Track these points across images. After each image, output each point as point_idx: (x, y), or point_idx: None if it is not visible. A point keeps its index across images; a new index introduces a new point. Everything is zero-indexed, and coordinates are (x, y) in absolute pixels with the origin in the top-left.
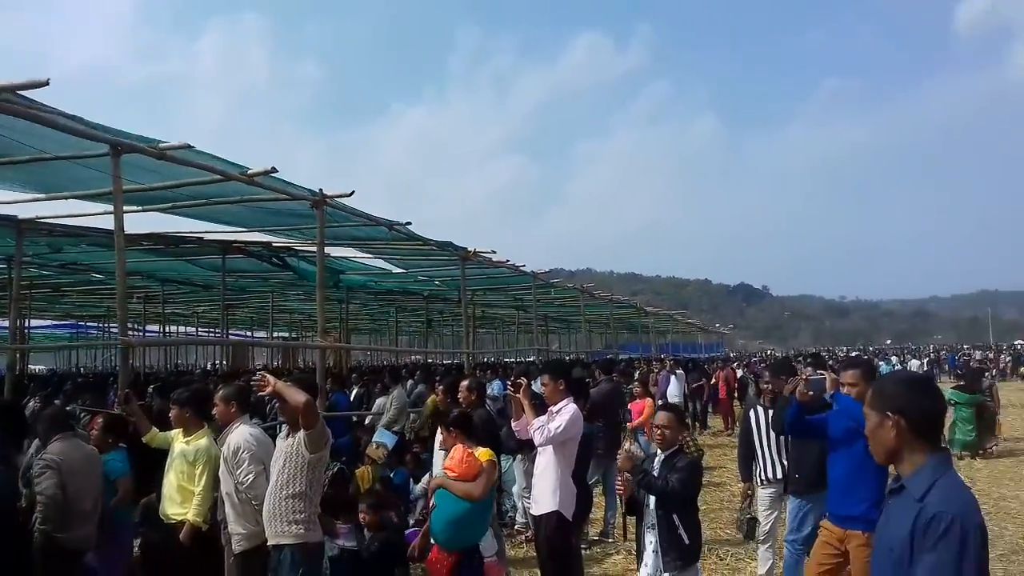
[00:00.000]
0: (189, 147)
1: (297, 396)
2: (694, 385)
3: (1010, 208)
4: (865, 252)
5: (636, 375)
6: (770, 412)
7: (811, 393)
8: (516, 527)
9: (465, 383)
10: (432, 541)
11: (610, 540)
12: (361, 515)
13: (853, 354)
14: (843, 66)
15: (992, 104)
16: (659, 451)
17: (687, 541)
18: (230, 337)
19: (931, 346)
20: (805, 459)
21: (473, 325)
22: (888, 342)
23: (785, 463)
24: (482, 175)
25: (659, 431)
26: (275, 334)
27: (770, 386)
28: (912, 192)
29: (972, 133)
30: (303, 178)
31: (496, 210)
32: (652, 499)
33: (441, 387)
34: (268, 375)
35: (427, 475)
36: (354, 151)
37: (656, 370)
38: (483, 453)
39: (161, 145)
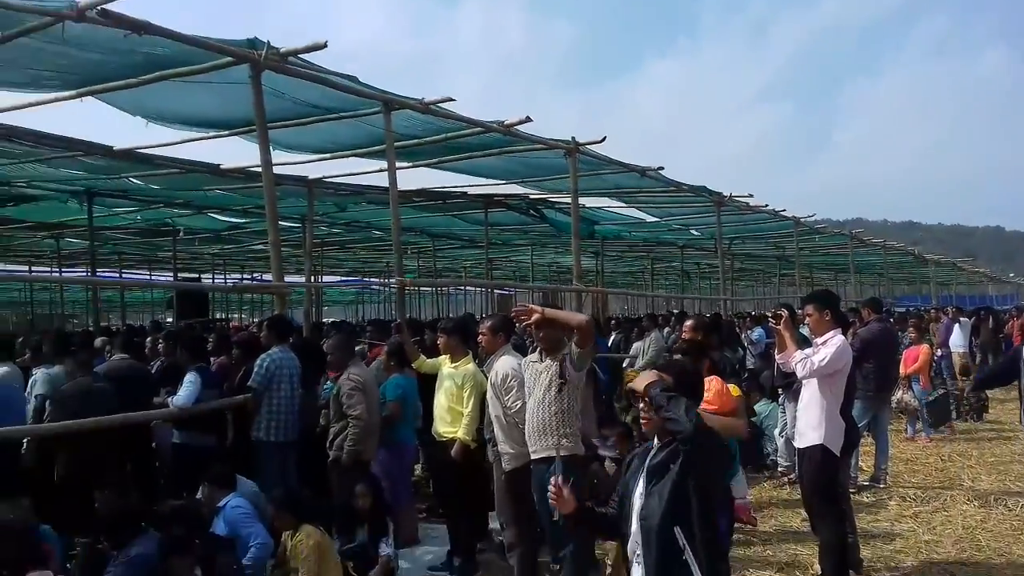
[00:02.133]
0: (451, 100)
1: (577, 316)
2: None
3: None
4: None
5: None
6: None
7: None
8: (780, 469)
9: (690, 322)
10: None
11: (880, 486)
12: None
13: None
14: None
15: None
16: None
17: None
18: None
19: None
20: None
21: (732, 274)
22: None
23: None
24: (740, 125)
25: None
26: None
27: None
28: None
29: None
30: (558, 135)
31: (756, 160)
32: (636, 505)
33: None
34: (532, 305)
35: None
36: (608, 107)
37: (935, 318)
38: (734, 388)
39: (426, 100)
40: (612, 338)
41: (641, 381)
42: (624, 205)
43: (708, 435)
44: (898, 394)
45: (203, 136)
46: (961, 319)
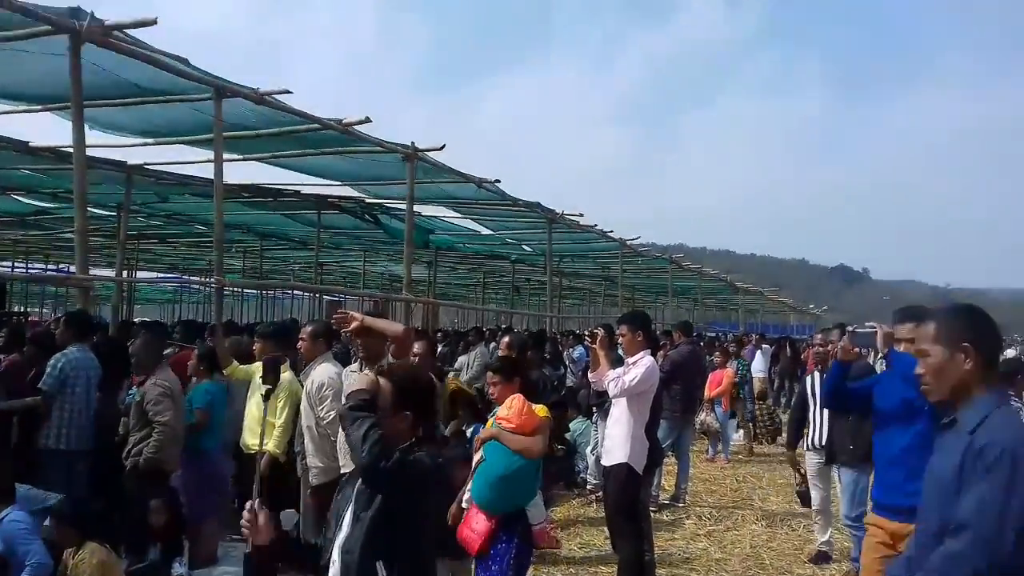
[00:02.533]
0: (288, 92)
1: (395, 326)
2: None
3: None
4: (975, 237)
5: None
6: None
7: (857, 349)
8: (589, 487)
9: (507, 339)
10: (466, 505)
11: (680, 505)
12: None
13: None
14: (964, 41)
15: None
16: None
17: None
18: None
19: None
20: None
21: (560, 291)
22: None
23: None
24: (585, 144)
25: None
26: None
27: (820, 347)
28: None
29: None
30: (404, 138)
31: (597, 180)
32: (341, 535)
33: (505, 340)
34: (352, 312)
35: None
36: (456, 114)
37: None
38: (540, 409)
39: (261, 90)
40: (439, 350)
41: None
42: (460, 216)
43: (399, 466)
44: (701, 416)
45: (12, 110)
46: (763, 346)
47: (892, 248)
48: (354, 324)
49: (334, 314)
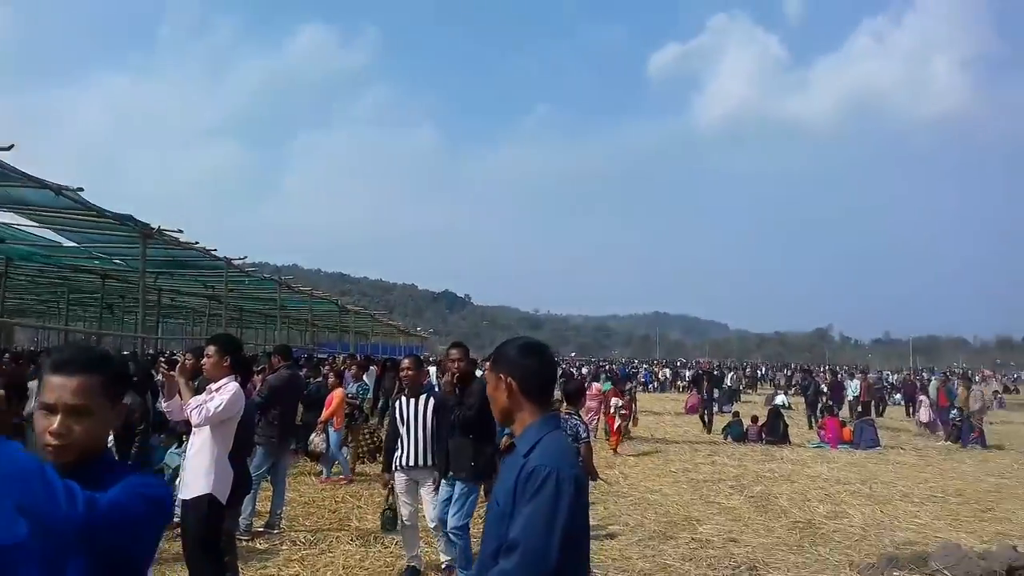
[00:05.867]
0: None
1: None
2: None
3: (679, 239)
4: (559, 271)
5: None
6: (411, 400)
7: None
8: (175, 519)
9: None
10: None
11: (275, 531)
12: None
13: None
14: (555, 94)
15: (674, 145)
16: None
17: None
18: None
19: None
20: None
21: (159, 310)
22: (573, 354)
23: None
24: (193, 156)
25: None
26: None
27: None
28: (600, 219)
29: (656, 170)
30: None
31: (204, 196)
32: None
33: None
34: None
35: None
36: (46, 116)
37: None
38: None
39: None
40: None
41: None
42: (38, 225)
43: None
44: (313, 438)
45: None
46: (370, 367)
47: (491, 277)
48: None
49: None
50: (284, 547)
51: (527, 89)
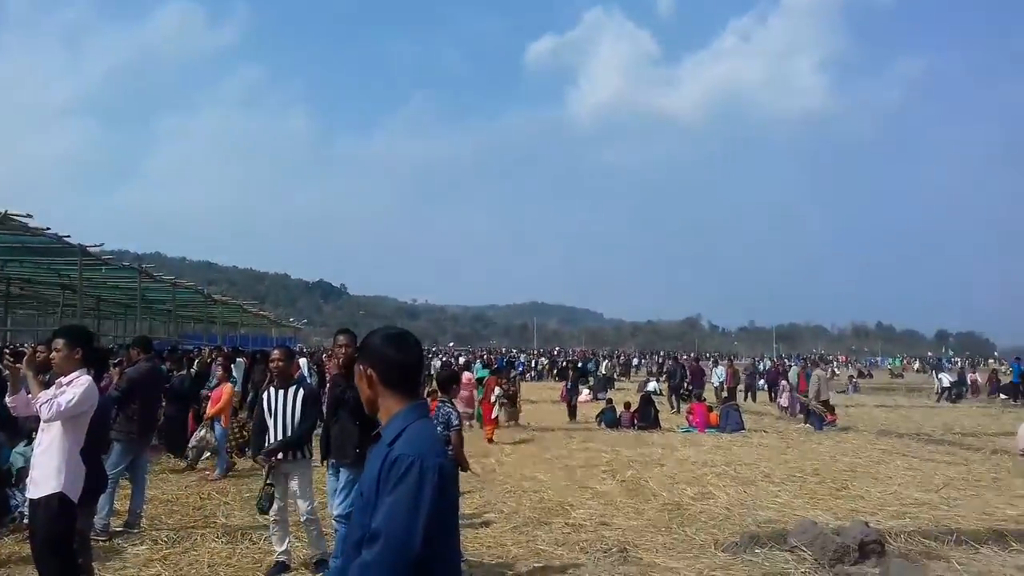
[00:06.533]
0: None
1: None
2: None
3: (555, 229)
4: (436, 260)
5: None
6: (279, 392)
7: None
8: (26, 520)
9: None
10: None
11: (135, 531)
12: None
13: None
14: (432, 80)
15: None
16: None
17: None
18: None
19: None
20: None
21: (7, 300)
22: (451, 344)
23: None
24: (42, 137)
25: None
26: None
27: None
28: (478, 208)
29: (533, 160)
30: None
31: (55, 178)
32: None
33: None
34: None
35: None
36: None
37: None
38: None
39: None
40: None
41: None
42: None
43: None
44: (200, 432)
45: None
46: (238, 359)
47: (368, 267)
48: None
49: None
50: (144, 547)
51: (404, 75)
